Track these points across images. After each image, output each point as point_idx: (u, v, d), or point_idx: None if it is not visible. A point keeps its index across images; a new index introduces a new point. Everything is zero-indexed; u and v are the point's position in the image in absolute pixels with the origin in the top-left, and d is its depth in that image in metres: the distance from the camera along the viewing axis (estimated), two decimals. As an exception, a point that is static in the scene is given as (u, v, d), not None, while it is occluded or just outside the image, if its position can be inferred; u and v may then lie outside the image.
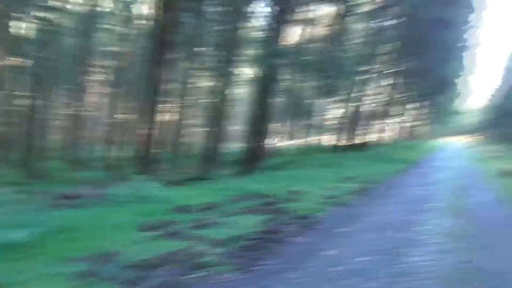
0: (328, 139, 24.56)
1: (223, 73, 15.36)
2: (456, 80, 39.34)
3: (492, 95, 62.49)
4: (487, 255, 4.75)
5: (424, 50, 23.57)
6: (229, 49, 15.10)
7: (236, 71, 16.85)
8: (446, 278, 3.94)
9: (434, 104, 40.91)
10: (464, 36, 30.58)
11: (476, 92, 71.04)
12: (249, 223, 5.37)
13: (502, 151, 30.92)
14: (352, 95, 22.12)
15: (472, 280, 3.89)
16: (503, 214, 7.90)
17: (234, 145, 19.67)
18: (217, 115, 15.66)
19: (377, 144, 25.96)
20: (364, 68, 21.27)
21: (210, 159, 14.85)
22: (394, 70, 25.44)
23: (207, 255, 4.04)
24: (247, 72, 18.99)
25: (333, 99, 22.10)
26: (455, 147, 47.54)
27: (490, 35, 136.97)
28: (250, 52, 17.09)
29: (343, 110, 22.94)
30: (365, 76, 22.27)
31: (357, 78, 20.82)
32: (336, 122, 23.89)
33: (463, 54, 33.85)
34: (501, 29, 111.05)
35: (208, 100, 18.20)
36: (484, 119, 62.44)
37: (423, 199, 8.63)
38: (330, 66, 16.34)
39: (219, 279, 3.51)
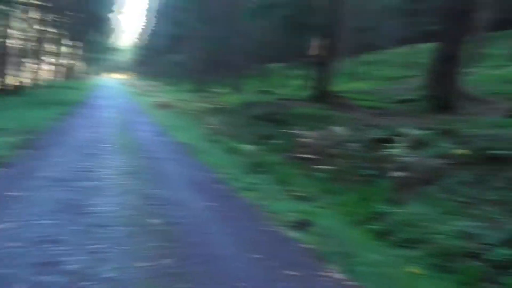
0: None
1: None
2: (109, 16, 40.30)
3: (140, 35, 68.14)
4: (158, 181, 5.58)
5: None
6: None
7: None
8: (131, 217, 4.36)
9: (89, 41, 40.36)
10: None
11: (127, 30, 75.71)
12: None
13: (154, 86, 34.94)
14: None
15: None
16: (165, 140, 9.32)
17: None
18: None
19: (33, 87, 23.48)
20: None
21: None
22: (42, 3, 22.97)
23: None
24: None
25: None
26: (113, 84, 49.38)
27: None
28: None
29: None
30: (7, 8, 18.99)
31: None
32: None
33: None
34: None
35: None
36: (136, 57, 67.68)
37: (95, 141, 8.77)
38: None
39: None
